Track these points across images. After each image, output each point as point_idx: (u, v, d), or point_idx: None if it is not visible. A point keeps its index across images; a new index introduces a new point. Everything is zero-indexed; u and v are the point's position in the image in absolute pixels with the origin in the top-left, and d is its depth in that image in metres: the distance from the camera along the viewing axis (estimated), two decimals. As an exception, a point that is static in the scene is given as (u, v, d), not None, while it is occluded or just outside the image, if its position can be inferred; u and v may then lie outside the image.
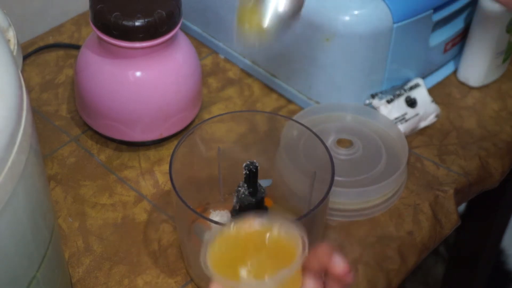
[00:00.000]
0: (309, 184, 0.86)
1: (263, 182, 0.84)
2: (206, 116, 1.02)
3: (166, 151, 0.99)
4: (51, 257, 0.68)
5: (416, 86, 1.03)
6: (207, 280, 0.85)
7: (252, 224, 0.58)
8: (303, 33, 0.98)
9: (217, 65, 1.11)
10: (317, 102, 1.03)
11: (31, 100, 0.85)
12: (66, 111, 1.04)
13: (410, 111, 1.01)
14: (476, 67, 1.07)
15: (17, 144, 0.56)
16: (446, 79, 1.10)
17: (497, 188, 1.03)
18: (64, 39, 1.14)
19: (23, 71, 0.64)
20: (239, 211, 0.83)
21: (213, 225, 0.79)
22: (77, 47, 1.10)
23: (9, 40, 0.70)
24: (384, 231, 0.91)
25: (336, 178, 0.80)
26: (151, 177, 0.96)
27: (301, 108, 1.03)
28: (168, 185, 0.94)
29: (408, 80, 1.04)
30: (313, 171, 0.86)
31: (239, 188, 0.83)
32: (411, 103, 1.01)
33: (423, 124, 1.02)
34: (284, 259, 0.57)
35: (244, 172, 0.82)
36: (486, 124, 1.04)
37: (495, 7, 1.01)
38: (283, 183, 0.90)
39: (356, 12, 0.94)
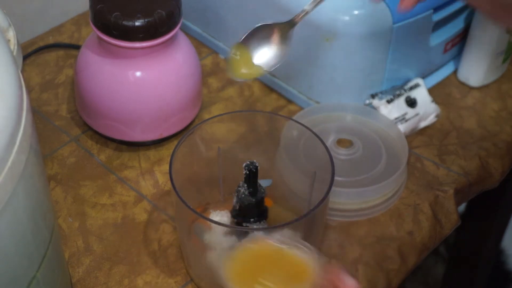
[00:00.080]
0: (309, 184, 0.86)
1: (263, 182, 0.84)
2: (206, 116, 1.02)
3: (166, 151, 0.99)
4: (51, 257, 0.68)
5: (416, 86, 1.03)
6: (207, 280, 0.85)
7: (269, 241, 0.60)
8: (303, 33, 0.98)
9: (217, 65, 1.11)
10: (317, 102, 1.03)
11: (31, 100, 0.85)
12: (66, 111, 1.04)
13: (410, 111, 1.01)
14: (476, 67, 1.07)
15: (17, 144, 0.56)
16: (446, 79, 1.10)
17: (497, 188, 1.03)
18: (64, 39, 1.14)
19: (23, 71, 0.64)
20: (239, 211, 0.83)
21: (230, 240, 0.79)
22: (77, 47, 1.10)
23: (9, 40, 0.70)
24: (384, 231, 0.91)
25: (336, 178, 0.80)
26: (151, 177, 0.96)
27: (301, 108, 1.03)
28: (168, 185, 0.94)
29: (408, 80, 1.04)
30: (313, 171, 0.86)
31: (239, 188, 0.83)
32: (411, 103, 1.01)
33: (423, 124, 1.02)
34: (298, 276, 0.58)
35: (244, 172, 0.82)
36: (486, 124, 1.04)
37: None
38: (283, 183, 0.90)
39: (356, 12, 0.94)
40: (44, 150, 0.98)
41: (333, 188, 0.79)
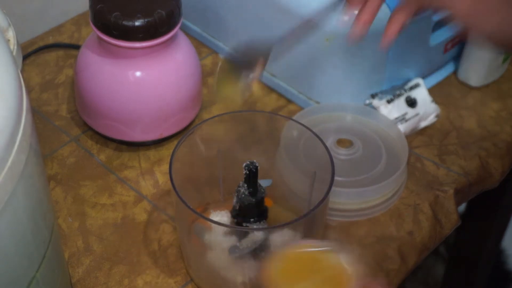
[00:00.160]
0: (309, 184, 0.86)
1: (263, 182, 0.84)
2: (206, 116, 1.02)
3: (166, 151, 0.99)
4: (51, 257, 0.68)
5: (416, 86, 1.03)
6: (207, 280, 0.85)
7: (313, 248, 0.62)
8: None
9: (217, 65, 1.11)
10: (317, 102, 1.03)
11: (31, 100, 0.85)
12: (66, 111, 1.04)
13: (410, 111, 1.01)
14: (476, 67, 1.07)
15: (17, 144, 0.56)
16: (446, 79, 1.10)
17: (497, 188, 1.03)
18: (64, 39, 1.14)
19: (23, 71, 0.64)
20: (239, 211, 0.83)
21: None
22: (77, 47, 1.10)
23: (9, 40, 0.70)
24: (384, 231, 0.91)
25: (336, 178, 0.80)
26: (151, 177, 0.96)
27: (301, 108, 1.03)
28: (168, 185, 0.94)
29: (408, 80, 1.03)
30: (313, 171, 0.86)
31: (239, 188, 0.83)
32: (411, 103, 1.01)
33: (423, 124, 1.02)
34: (335, 281, 0.60)
35: (244, 172, 0.82)
36: (486, 124, 1.04)
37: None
38: (283, 183, 0.90)
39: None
40: (44, 150, 0.98)
41: (333, 188, 0.79)
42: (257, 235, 0.80)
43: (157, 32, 0.90)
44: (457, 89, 1.09)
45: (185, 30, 1.12)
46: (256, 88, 0.78)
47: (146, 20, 0.89)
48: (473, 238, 1.44)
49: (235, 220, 0.84)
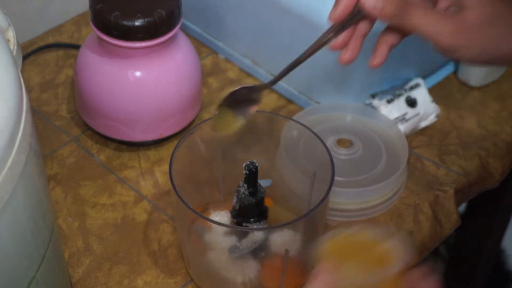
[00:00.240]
0: (309, 184, 0.86)
1: (263, 182, 0.84)
2: (206, 116, 1.02)
3: (166, 151, 0.99)
4: (51, 257, 0.68)
5: (416, 86, 1.03)
6: (207, 280, 0.85)
7: (370, 232, 0.66)
8: (303, 33, 0.98)
9: (217, 65, 1.11)
10: (317, 102, 1.03)
11: (31, 100, 0.85)
12: (66, 111, 1.04)
13: (410, 111, 1.01)
14: (476, 67, 1.07)
15: (16, 144, 0.56)
16: (446, 79, 1.10)
17: (497, 188, 1.03)
18: (64, 39, 1.14)
19: (23, 71, 0.64)
20: (239, 211, 0.83)
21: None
22: (77, 47, 1.10)
23: (9, 40, 0.70)
24: (384, 231, 0.91)
25: (336, 178, 0.80)
26: (151, 177, 0.96)
27: (301, 108, 1.03)
28: (168, 185, 0.94)
29: (408, 80, 1.03)
30: (313, 171, 0.86)
31: (239, 188, 0.83)
32: (411, 103, 1.01)
33: (423, 124, 1.02)
34: (383, 266, 0.63)
35: (244, 172, 0.82)
36: (486, 124, 1.04)
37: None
38: (283, 183, 0.90)
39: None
40: (44, 150, 0.98)
41: (333, 188, 0.79)
42: (257, 235, 0.80)
43: (157, 32, 0.90)
44: (457, 89, 1.09)
45: (185, 30, 1.12)
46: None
47: (146, 20, 0.89)
48: (473, 238, 1.44)
49: (235, 220, 0.84)
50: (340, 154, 0.95)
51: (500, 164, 1.00)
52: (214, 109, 0.78)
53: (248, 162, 0.81)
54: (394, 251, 0.64)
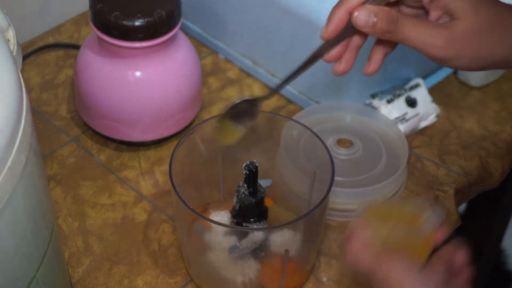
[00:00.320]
0: (309, 184, 0.86)
1: (263, 182, 0.84)
2: (206, 116, 1.02)
3: (166, 151, 0.99)
4: (51, 257, 0.68)
5: (416, 86, 1.03)
6: (207, 280, 0.85)
7: (406, 202, 0.75)
8: (303, 33, 0.98)
9: (217, 65, 1.11)
10: (317, 102, 1.03)
11: (31, 100, 0.85)
12: (66, 111, 1.04)
13: (410, 111, 1.01)
14: (475, 68, 1.07)
15: (17, 144, 0.56)
16: (446, 79, 1.10)
17: (497, 188, 1.03)
18: (64, 39, 1.14)
19: (23, 71, 0.64)
20: (239, 211, 0.83)
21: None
22: (77, 47, 1.10)
23: (9, 40, 0.70)
24: (384, 231, 0.90)
25: (336, 178, 0.80)
26: (151, 177, 0.96)
27: (301, 108, 1.03)
28: (168, 185, 0.94)
29: (408, 80, 1.03)
30: (313, 171, 0.86)
31: (239, 188, 0.83)
32: (411, 103, 1.01)
33: (423, 124, 1.02)
34: (417, 230, 0.70)
35: (244, 172, 0.82)
36: (486, 124, 1.04)
37: None
38: (283, 183, 0.90)
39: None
40: (44, 150, 0.98)
41: (333, 188, 0.79)
42: (257, 235, 0.80)
43: (157, 32, 0.90)
44: (457, 89, 1.09)
45: (185, 30, 1.12)
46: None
47: (146, 20, 0.89)
48: (473, 238, 1.44)
49: (235, 220, 0.84)
50: (340, 154, 0.95)
51: (500, 164, 1.00)
52: (216, 121, 0.80)
53: (248, 162, 0.81)
54: (426, 218, 0.70)
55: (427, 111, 1.02)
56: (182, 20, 0.95)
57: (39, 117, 1.02)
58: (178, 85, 0.96)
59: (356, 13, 0.72)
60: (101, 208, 0.92)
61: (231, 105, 0.78)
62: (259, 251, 0.81)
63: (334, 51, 0.76)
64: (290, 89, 1.05)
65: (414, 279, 0.66)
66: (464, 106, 1.06)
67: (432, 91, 1.05)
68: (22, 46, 1.01)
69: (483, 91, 1.08)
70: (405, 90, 1.02)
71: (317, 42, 0.97)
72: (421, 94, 1.02)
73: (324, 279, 0.86)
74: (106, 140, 0.99)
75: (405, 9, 0.76)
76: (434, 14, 0.74)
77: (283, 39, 1.02)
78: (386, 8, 0.72)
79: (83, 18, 1.17)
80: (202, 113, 1.03)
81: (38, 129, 1.00)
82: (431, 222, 0.70)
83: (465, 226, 1.21)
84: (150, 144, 0.99)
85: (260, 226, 0.84)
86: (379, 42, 0.78)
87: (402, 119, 1.00)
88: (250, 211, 0.83)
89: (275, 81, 1.06)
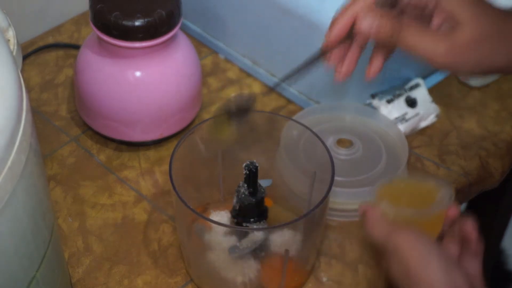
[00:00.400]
0: (309, 184, 0.86)
1: (263, 182, 0.84)
2: (206, 116, 1.02)
3: (166, 151, 0.99)
4: (51, 257, 0.68)
5: (416, 86, 1.03)
6: (207, 280, 0.85)
7: (421, 179, 0.78)
8: (303, 33, 0.98)
9: (217, 65, 1.11)
10: (317, 102, 1.03)
11: (31, 100, 0.85)
12: (66, 111, 1.04)
13: (410, 111, 1.01)
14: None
15: (17, 144, 0.56)
16: (446, 79, 1.10)
17: (497, 188, 1.03)
18: (64, 39, 1.14)
19: (23, 71, 0.64)
20: (239, 211, 0.83)
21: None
22: (77, 47, 1.10)
23: (9, 40, 0.70)
24: (384, 231, 0.90)
25: (336, 178, 0.80)
26: (151, 177, 0.96)
27: (301, 108, 1.03)
28: (168, 185, 0.94)
29: (408, 80, 1.03)
30: (313, 171, 0.86)
31: (239, 188, 0.83)
32: (411, 103, 1.01)
33: (423, 124, 1.02)
34: (430, 206, 0.74)
35: (244, 172, 0.82)
36: (486, 124, 1.04)
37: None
38: (283, 183, 0.90)
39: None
40: (44, 150, 0.98)
41: (333, 188, 0.79)
42: (257, 235, 0.80)
43: (157, 32, 0.90)
44: (457, 89, 1.09)
45: (185, 30, 1.12)
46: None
47: (146, 20, 0.89)
48: (473, 238, 1.43)
49: (235, 220, 0.84)
50: (340, 154, 0.95)
51: (500, 164, 1.00)
52: (211, 116, 0.82)
53: (248, 162, 0.81)
54: (439, 196, 0.73)
55: (427, 111, 1.02)
56: (182, 20, 0.95)
57: (39, 117, 1.02)
58: (178, 85, 0.96)
59: (359, 21, 0.73)
60: (101, 208, 0.92)
61: (225, 102, 0.79)
62: (259, 251, 0.81)
63: (336, 54, 0.77)
64: (290, 89, 1.05)
65: (424, 249, 0.68)
66: (464, 106, 1.06)
67: (432, 91, 1.05)
68: (22, 46, 1.01)
69: (483, 91, 1.09)
70: (405, 90, 1.02)
71: (317, 42, 0.97)
72: (421, 94, 1.02)
73: (324, 279, 0.86)
74: (106, 140, 0.99)
75: (408, 17, 0.77)
76: (436, 21, 0.75)
77: (283, 39, 1.02)
78: (389, 16, 0.73)
79: (83, 18, 1.17)
80: (202, 113, 1.03)
81: (38, 129, 1.00)
82: (443, 200, 0.73)
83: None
84: (150, 144, 0.99)
85: (260, 226, 0.84)
86: (380, 46, 0.78)
87: (402, 119, 1.00)
88: (250, 211, 0.83)
89: (275, 81, 1.06)
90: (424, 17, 0.76)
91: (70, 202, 0.93)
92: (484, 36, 0.72)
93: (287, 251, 0.80)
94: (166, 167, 0.94)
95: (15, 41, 0.69)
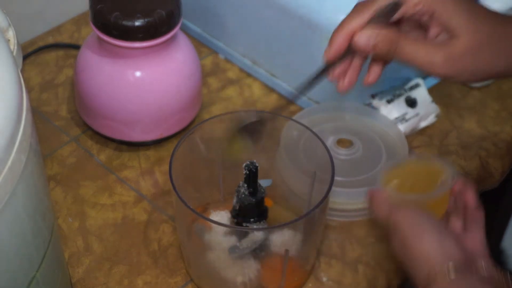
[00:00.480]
0: (309, 184, 0.86)
1: (263, 182, 0.84)
2: (206, 116, 1.02)
3: (166, 151, 0.99)
4: (51, 257, 0.68)
5: (416, 86, 1.03)
6: (207, 280, 0.85)
7: (426, 160, 0.81)
8: (303, 33, 0.98)
9: (217, 65, 1.11)
10: (317, 102, 1.03)
11: (31, 100, 0.85)
12: (66, 111, 1.04)
13: (410, 111, 1.01)
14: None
15: (17, 144, 0.56)
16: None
17: (497, 188, 1.03)
18: (64, 39, 1.14)
19: (23, 71, 0.64)
20: (239, 211, 0.83)
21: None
22: (77, 47, 1.10)
23: (9, 40, 0.70)
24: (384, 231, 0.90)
25: (336, 178, 0.80)
26: (151, 177, 0.96)
27: (301, 108, 1.03)
28: (168, 185, 0.94)
29: (408, 80, 1.03)
30: (313, 171, 0.86)
31: (239, 188, 0.83)
32: (411, 103, 1.01)
33: (423, 124, 1.02)
34: (436, 188, 0.77)
35: (244, 172, 0.82)
36: (486, 124, 1.04)
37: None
38: (283, 183, 0.90)
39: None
40: (44, 150, 0.98)
41: (333, 188, 0.79)
42: (257, 235, 0.80)
43: (157, 32, 0.90)
44: (457, 89, 1.08)
45: (185, 30, 1.12)
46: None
47: (146, 20, 0.89)
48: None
49: (235, 220, 0.84)
50: (340, 154, 0.95)
51: (500, 164, 1.00)
52: (226, 138, 0.82)
53: (248, 162, 0.81)
54: (444, 177, 0.76)
55: (427, 111, 1.02)
56: (182, 20, 0.95)
57: (39, 117, 1.02)
58: (178, 85, 0.96)
59: (356, 37, 0.74)
60: (101, 208, 0.92)
61: (241, 126, 0.80)
62: (259, 251, 0.81)
63: (337, 70, 0.78)
64: (290, 89, 1.05)
65: (417, 222, 0.71)
66: (464, 106, 1.06)
67: (432, 91, 1.05)
68: (22, 46, 1.00)
69: (483, 91, 1.08)
70: (405, 90, 1.02)
71: (317, 42, 0.97)
72: (421, 94, 1.02)
73: (324, 279, 0.86)
74: (106, 140, 0.99)
75: (406, 28, 0.77)
76: (433, 32, 0.75)
77: (283, 39, 1.02)
78: (385, 30, 0.73)
79: (83, 18, 1.17)
80: (202, 113, 1.03)
81: (38, 129, 1.00)
82: (447, 181, 0.76)
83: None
84: (150, 144, 0.99)
85: (260, 226, 0.84)
86: (378, 57, 0.78)
87: (402, 119, 1.00)
88: (250, 211, 0.83)
89: (275, 81, 1.06)
90: (420, 28, 0.76)
91: (70, 202, 0.93)
92: (482, 44, 0.72)
93: (287, 251, 0.80)
94: (166, 167, 0.94)
95: (15, 41, 0.69)
